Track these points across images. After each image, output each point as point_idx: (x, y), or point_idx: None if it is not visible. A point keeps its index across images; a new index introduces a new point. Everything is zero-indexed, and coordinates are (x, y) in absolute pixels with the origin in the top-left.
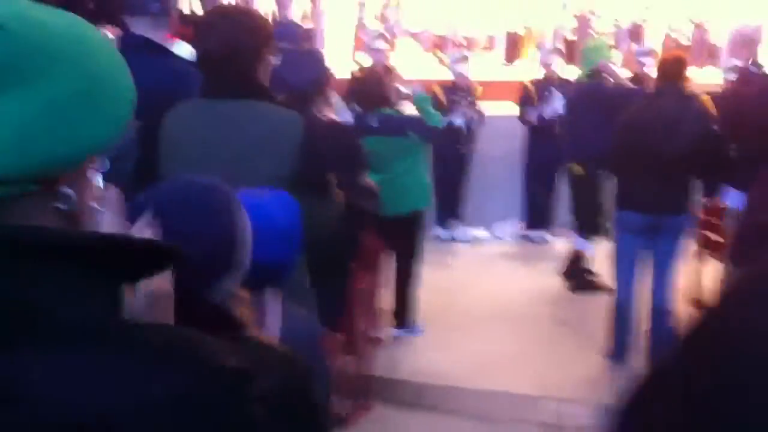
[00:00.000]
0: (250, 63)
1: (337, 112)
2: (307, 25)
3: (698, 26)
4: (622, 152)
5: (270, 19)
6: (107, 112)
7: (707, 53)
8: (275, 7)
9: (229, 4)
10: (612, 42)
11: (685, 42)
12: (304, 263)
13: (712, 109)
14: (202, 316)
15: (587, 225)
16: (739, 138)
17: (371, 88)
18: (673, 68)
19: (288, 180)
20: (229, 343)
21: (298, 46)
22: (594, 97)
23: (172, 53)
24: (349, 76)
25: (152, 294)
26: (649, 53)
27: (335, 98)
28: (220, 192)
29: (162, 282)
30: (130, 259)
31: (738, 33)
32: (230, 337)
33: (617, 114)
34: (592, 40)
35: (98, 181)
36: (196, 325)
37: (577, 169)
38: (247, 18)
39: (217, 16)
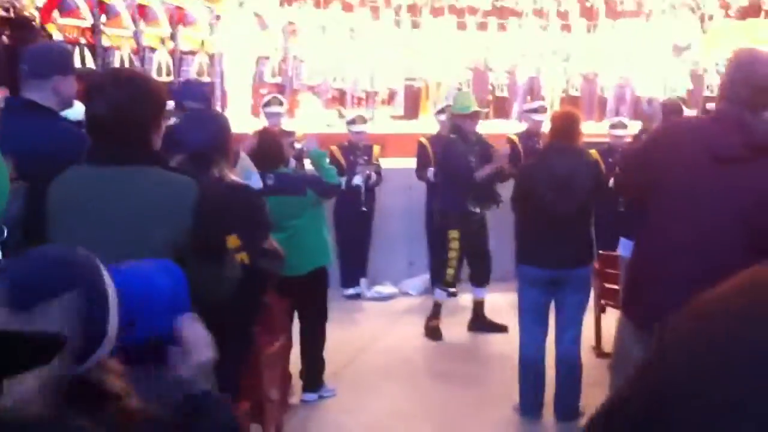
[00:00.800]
0: (140, 129)
1: (248, 175)
2: (204, 79)
3: (587, 79)
4: (521, 207)
5: (172, 76)
6: None
7: (597, 106)
8: (171, 63)
9: (123, 67)
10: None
11: (575, 94)
12: None
13: (601, 163)
14: (74, 393)
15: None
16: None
17: (266, 148)
18: (564, 125)
19: (181, 246)
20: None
21: (206, 104)
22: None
23: (58, 115)
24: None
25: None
26: (539, 109)
27: (246, 161)
28: (78, 263)
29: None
30: (14, 353)
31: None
32: (102, 412)
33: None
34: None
35: None
36: (70, 402)
37: (452, 233)
38: (138, 83)
39: (107, 79)
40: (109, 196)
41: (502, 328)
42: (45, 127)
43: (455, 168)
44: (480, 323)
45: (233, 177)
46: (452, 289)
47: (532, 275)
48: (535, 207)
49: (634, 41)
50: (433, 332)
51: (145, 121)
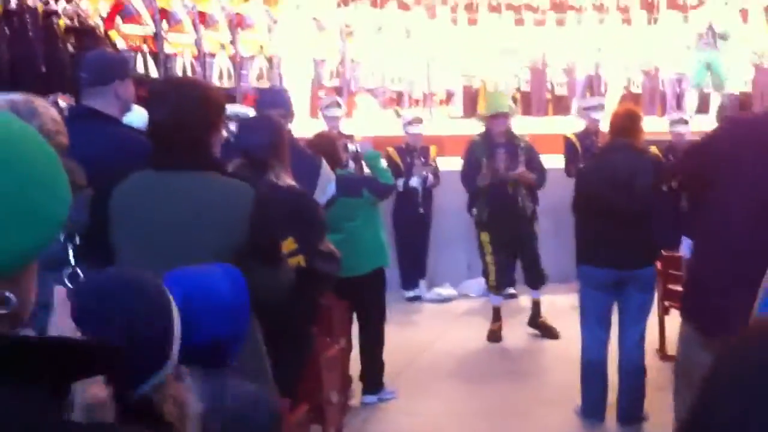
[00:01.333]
0: (201, 135)
1: (327, 183)
2: (263, 83)
3: (648, 74)
4: (580, 208)
5: (233, 81)
6: (41, 215)
7: (659, 102)
8: (231, 67)
9: (183, 74)
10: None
11: (636, 90)
12: (259, 334)
13: (662, 160)
14: (131, 415)
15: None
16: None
17: (322, 152)
18: (624, 123)
19: (238, 250)
20: None
21: (287, 110)
22: None
23: (119, 122)
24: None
25: (89, 405)
26: (598, 107)
27: (326, 169)
28: (149, 289)
29: (97, 389)
30: (70, 362)
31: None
32: None
33: None
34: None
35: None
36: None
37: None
38: (198, 90)
39: (168, 87)
40: (169, 201)
41: (553, 334)
42: (109, 135)
43: (463, 169)
44: (535, 324)
45: (289, 180)
46: (511, 290)
47: (593, 276)
48: (595, 207)
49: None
50: (492, 335)
51: (204, 127)
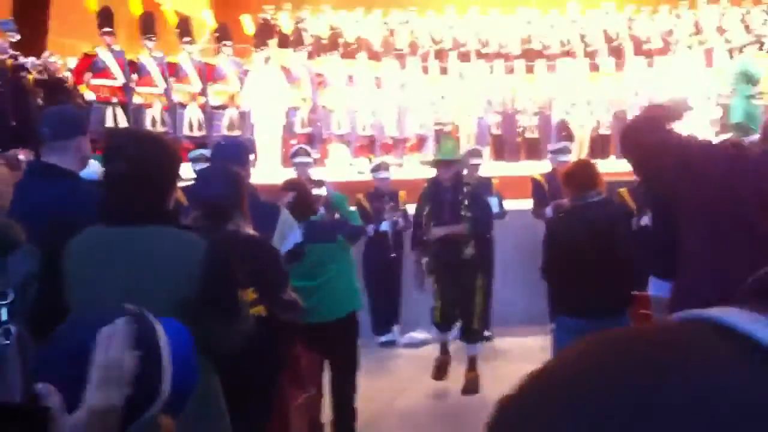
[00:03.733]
0: (157, 188)
1: (288, 231)
2: (235, 133)
3: (617, 117)
4: (555, 262)
5: (204, 131)
6: None
7: None
8: (201, 118)
9: (138, 128)
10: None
11: (605, 132)
12: (217, 386)
13: (631, 202)
14: None
15: None
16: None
17: (296, 199)
18: (584, 178)
19: (190, 303)
20: None
21: (243, 165)
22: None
23: (78, 176)
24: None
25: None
26: (564, 150)
27: (287, 216)
28: (141, 324)
29: None
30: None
31: None
32: None
33: None
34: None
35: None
36: None
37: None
38: (155, 143)
39: (126, 140)
40: (121, 255)
41: (471, 389)
42: (67, 190)
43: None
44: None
45: (248, 230)
46: (486, 333)
47: (570, 325)
48: (573, 258)
49: (662, 78)
50: (436, 372)
51: (161, 180)
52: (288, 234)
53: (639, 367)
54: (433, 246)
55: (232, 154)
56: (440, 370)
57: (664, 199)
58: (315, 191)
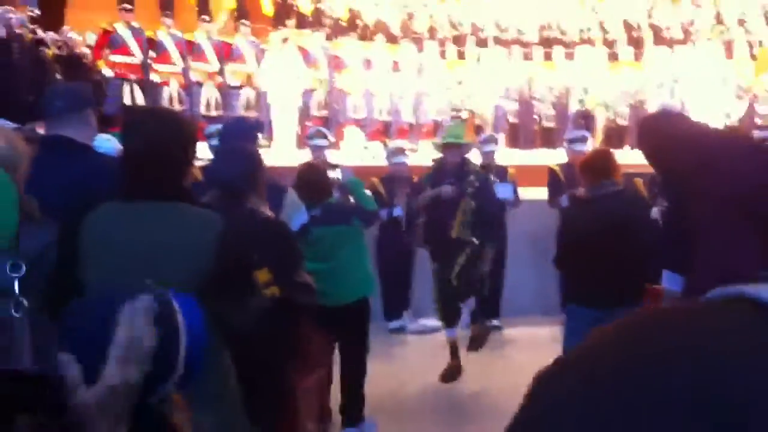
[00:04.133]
0: (173, 165)
1: (294, 212)
2: (251, 113)
3: (634, 107)
4: (569, 251)
5: (220, 111)
6: None
7: None
8: (218, 97)
9: (157, 105)
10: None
11: (622, 122)
12: (228, 364)
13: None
14: (140, 423)
15: None
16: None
17: (311, 182)
18: (600, 167)
19: (206, 280)
20: None
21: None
22: None
23: (92, 149)
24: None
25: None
26: (581, 139)
27: (293, 196)
28: (159, 300)
29: None
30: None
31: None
32: None
33: None
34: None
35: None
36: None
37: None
38: (172, 121)
39: (144, 117)
40: (138, 231)
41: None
42: (83, 162)
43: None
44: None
45: (265, 210)
46: (495, 322)
47: (580, 314)
48: (583, 249)
49: (682, 68)
50: (447, 374)
51: (177, 157)
52: (293, 215)
53: (686, 356)
54: (428, 229)
55: (240, 133)
56: (450, 377)
57: (680, 192)
58: (331, 174)
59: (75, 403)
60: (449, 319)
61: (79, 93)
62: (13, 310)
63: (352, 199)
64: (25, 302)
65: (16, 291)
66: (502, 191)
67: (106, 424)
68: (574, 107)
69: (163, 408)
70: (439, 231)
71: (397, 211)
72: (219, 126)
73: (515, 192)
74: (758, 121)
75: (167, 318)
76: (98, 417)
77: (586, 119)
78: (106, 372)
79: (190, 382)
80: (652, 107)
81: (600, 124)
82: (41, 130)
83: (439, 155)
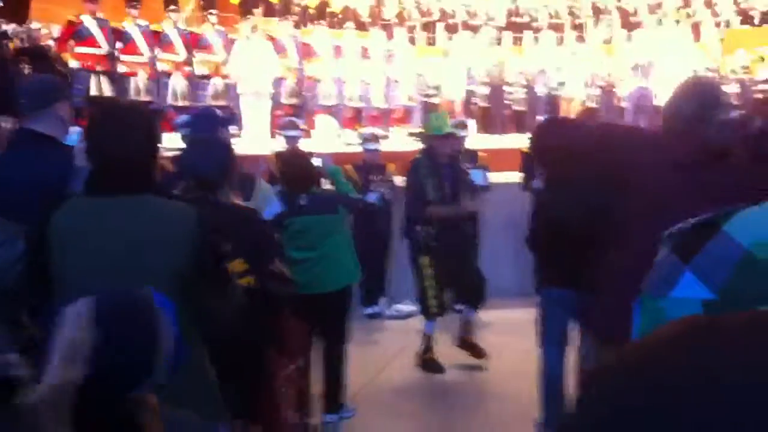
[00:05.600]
0: (140, 159)
1: (267, 201)
2: (220, 103)
3: (606, 90)
4: (544, 233)
5: (188, 101)
6: None
7: (616, 115)
8: (186, 86)
9: (122, 97)
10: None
11: (594, 105)
12: (204, 357)
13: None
14: (111, 425)
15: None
16: None
17: (298, 171)
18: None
19: (182, 272)
20: None
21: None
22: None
23: (62, 143)
24: (267, 154)
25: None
26: None
27: (264, 186)
28: (141, 300)
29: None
30: None
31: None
32: None
33: None
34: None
35: None
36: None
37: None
38: (138, 114)
39: (108, 111)
40: (109, 226)
41: (480, 354)
42: (53, 156)
43: (408, 191)
44: (463, 343)
45: (237, 200)
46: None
47: (554, 296)
48: (562, 230)
49: (650, 50)
50: (429, 366)
51: (144, 151)
52: (266, 205)
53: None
54: (433, 226)
55: (208, 124)
56: (436, 364)
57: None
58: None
59: (21, 402)
60: (442, 309)
61: (46, 88)
62: None
63: (331, 187)
64: None
65: None
66: (474, 177)
67: (52, 424)
68: (543, 91)
69: (132, 408)
70: (448, 235)
71: (372, 198)
72: (189, 116)
73: (485, 177)
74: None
75: (147, 317)
76: (43, 416)
77: (553, 104)
78: (49, 371)
79: (167, 380)
80: (621, 90)
81: (571, 107)
82: (6, 124)
83: (421, 145)
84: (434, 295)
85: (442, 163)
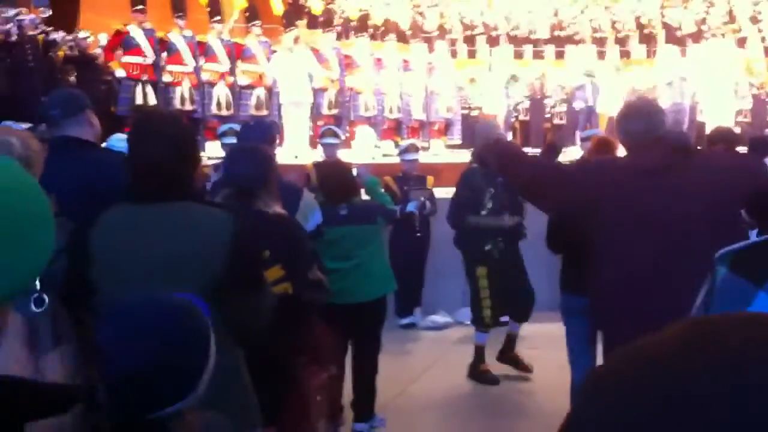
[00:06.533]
0: (180, 166)
1: (312, 212)
2: (262, 113)
3: None
4: (560, 237)
5: (231, 110)
6: (35, 246)
7: None
8: (230, 97)
9: (161, 108)
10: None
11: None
12: (241, 363)
13: None
14: None
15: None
16: None
17: (340, 180)
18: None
19: (219, 279)
20: None
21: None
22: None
23: (98, 147)
24: (307, 164)
25: None
26: (589, 138)
27: (309, 197)
28: (191, 319)
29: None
30: (23, 403)
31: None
32: None
33: None
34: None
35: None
36: None
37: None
38: (178, 123)
39: (148, 120)
40: (148, 233)
41: (527, 368)
42: (93, 159)
43: (458, 199)
44: (508, 358)
45: (277, 208)
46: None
47: (573, 303)
48: (572, 235)
49: (693, 65)
50: (483, 377)
51: (184, 158)
52: (310, 215)
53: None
54: (502, 238)
55: (258, 134)
56: (488, 378)
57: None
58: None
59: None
60: (494, 323)
61: (73, 97)
62: (33, 306)
63: (368, 198)
64: (46, 298)
65: (37, 286)
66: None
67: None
68: (578, 106)
69: (171, 425)
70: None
71: (411, 207)
72: (232, 125)
73: None
74: None
75: (199, 339)
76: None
77: (593, 117)
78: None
79: (192, 386)
80: (662, 104)
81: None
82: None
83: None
84: (489, 306)
85: (496, 174)
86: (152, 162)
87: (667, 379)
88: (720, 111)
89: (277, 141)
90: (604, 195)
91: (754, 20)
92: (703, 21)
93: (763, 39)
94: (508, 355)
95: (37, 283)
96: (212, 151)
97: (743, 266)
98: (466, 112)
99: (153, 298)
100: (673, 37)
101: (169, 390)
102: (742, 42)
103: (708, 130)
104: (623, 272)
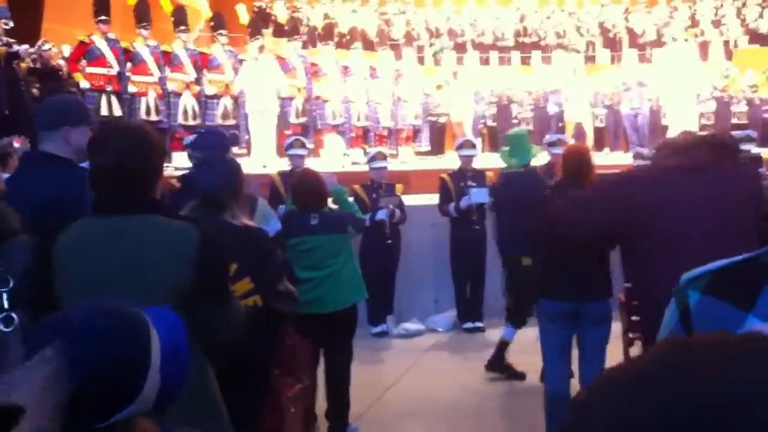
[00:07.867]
0: (143, 178)
1: (267, 219)
2: (229, 122)
3: (612, 109)
4: (542, 242)
5: (198, 120)
6: None
7: (621, 135)
8: (196, 107)
9: (125, 119)
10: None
11: (599, 124)
12: (211, 375)
13: None
14: None
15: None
16: None
17: (310, 190)
18: (574, 164)
19: (184, 291)
20: None
21: (223, 152)
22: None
23: (73, 164)
24: (274, 173)
25: None
26: (557, 142)
27: (265, 206)
28: (127, 317)
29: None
30: None
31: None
32: None
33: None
34: (518, 129)
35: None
36: None
37: (525, 260)
38: (139, 133)
39: (110, 132)
40: (112, 246)
41: (519, 375)
42: (61, 177)
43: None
44: (499, 365)
45: (245, 220)
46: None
47: (551, 309)
48: (557, 240)
49: (658, 70)
50: (509, 371)
51: (147, 170)
52: (264, 224)
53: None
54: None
55: (211, 142)
56: (515, 376)
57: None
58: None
59: None
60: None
61: (57, 110)
62: (1, 325)
63: (336, 207)
64: (16, 317)
65: (5, 305)
66: (476, 195)
67: None
68: (551, 110)
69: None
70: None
71: (381, 215)
72: (195, 135)
73: (490, 195)
74: (734, 120)
75: (132, 340)
76: None
77: (563, 122)
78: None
79: (170, 400)
80: (625, 108)
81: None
82: (17, 144)
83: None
84: (521, 306)
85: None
86: (107, 174)
87: (651, 399)
88: (683, 115)
89: (238, 150)
90: (650, 201)
91: (717, 24)
92: (666, 25)
93: (725, 43)
94: (500, 363)
95: (5, 300)
96: (179, 162)
97: (722, 288)
98: (433, 119)
99: (82, 306)
100: (635, 42)
101: (110, 398)
102: (704, 46)
103: (671, 134)
104: (677, 267)
